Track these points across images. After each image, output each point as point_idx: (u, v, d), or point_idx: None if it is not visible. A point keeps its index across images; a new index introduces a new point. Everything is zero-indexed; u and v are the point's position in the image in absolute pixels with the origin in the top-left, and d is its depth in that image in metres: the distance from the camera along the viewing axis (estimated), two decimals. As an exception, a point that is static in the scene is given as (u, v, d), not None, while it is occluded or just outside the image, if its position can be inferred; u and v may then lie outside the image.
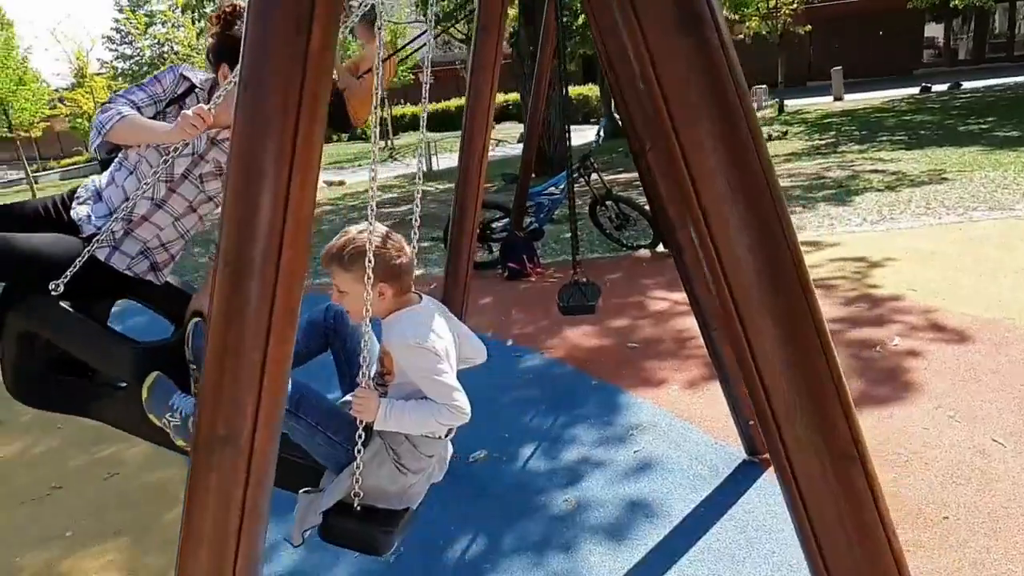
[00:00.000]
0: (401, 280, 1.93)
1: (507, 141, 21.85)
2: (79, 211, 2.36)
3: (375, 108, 1.68)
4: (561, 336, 5.46)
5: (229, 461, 1.28)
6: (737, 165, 1.08)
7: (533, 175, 7.58)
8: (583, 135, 16.68)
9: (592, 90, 28.32)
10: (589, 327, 5.49)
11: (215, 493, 1.30)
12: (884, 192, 9.14)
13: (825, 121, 18.46)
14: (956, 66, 31.68)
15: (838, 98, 24.00)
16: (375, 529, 1.93)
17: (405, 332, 1.86)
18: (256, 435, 1.28)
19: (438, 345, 1.88)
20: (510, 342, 5.52)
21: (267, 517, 1.44)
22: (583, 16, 14.44)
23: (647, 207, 6.66)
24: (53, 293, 2.09)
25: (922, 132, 14.35)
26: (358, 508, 1.91)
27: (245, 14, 1.17)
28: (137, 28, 36.71)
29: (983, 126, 14.14)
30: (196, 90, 2.42)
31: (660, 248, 7.10)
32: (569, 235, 4.72)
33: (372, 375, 2.03)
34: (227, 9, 2.31)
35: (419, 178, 2.27)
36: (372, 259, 1.74)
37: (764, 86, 24.97)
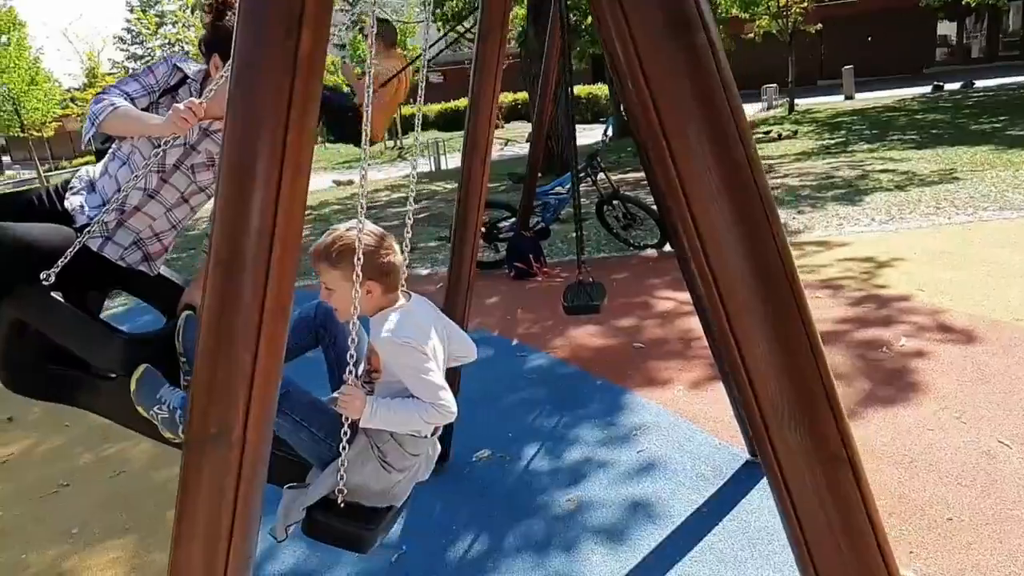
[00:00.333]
0: (389, 278, 1.93)
1: (516, 141, 21.83)
2: (72, 201, 2.37)
3: (366, 107, 1.68)
4: (567, 336, 5.46)
5: (220, 459, 1.28)
6: (725, 167, 1.08)
7: (540, 175, 7.58)
8: (593, 135, 16.66)
9: (601, 89, 28.29)
10: (595, 327, 5.49)
11: (206, 490, 1.31)
12: (894, 192, 9.09)
13: (835, 120, 18.36)
14: (969, 64, 31.44)
15: (849, 97, 23.87)
16: (358, 527, 1.93)
17: (392, 330, 1.86)
18: (247, 433, 1.29)
19: (425, 344, 1.88)
20: (515, 342, 5.53)
21: (259, 514, 1.45)
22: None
23: (654, 207, 6.66)
24: (44, 283, 2.10)
25: (933, 131, 14.25)
26: (342, 505, 1.91)
27: (236, 9, 1.18)
28: (148, 28, 36.94)
29: (995, 125, 14.03)
30: (189, 81, 2.43)
31: (667, 248, 7.09)
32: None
33: (360, 373, 2.04)
34: None
35: (412, 177, 2.27)
36: (360, 257, 1.75)
37: (774, 85, 24.85)
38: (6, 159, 44.33)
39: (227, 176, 1.18)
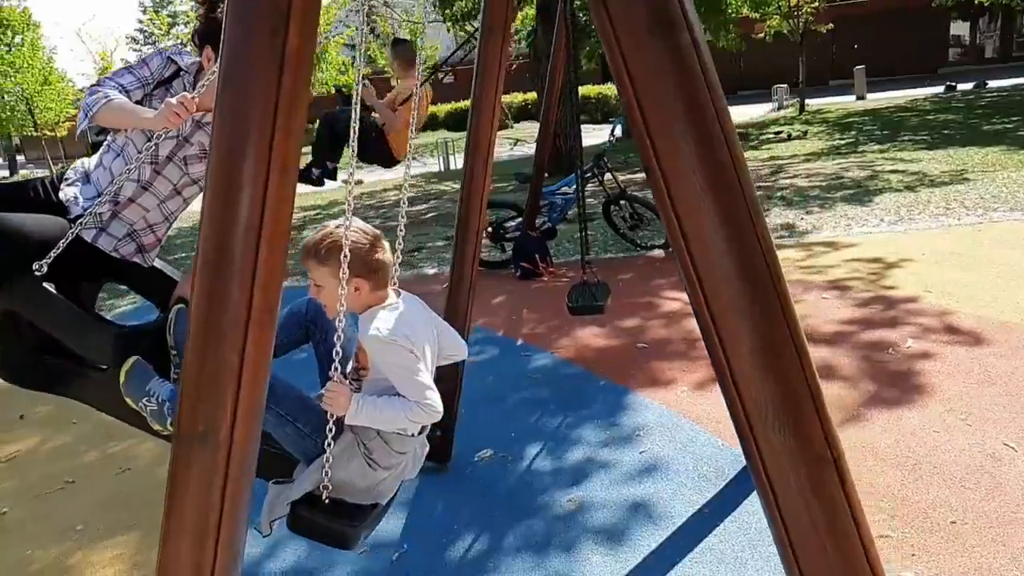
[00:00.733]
0: (378, 276, 1.93)
1: (526, 141, 21.80)
2: (67, 192, 2.39)
3: (355, 115, 1.68)
4: (571, 336, 5.45)
5: (208, 456, 1.29)
6: (710, 167, 1.07)
7: (547, 175, 7.57)
8: (602, 135, 16.62)
9: (611, 89, 28.24)
10: (599, 327, 5.48)
11: (194, 487, 1.31)
12: (903, 192, 9.03)
13: (846, 120, 18.26)
14: (982, 65, 31.21)
15: (860, 97, 23.74)
16: (342, 523, 1.93)
17: (380, 328, 1.86)
18: (235, 431, 1.29)
19: (413, 342, 1.88)
20: (520, 341, 5.52)
21: (247, 511, 1.45)
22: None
23: (660, 207, 6.63)
24: (37, 273, 2.11)
25: (945, 132, 14.15)
26: (326, 501, 1.91)
27: (224, 12, 1.18)
28: (160, 28, 37.17)
29: (1007, 125, 13.92)
30: (182, 73, 2.45)
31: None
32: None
33: (349, 370, 2.04)
34: None
35: (406, 176, 2.28)
36: (348, 254, 1.75)
37: (785, 85, 24.74)
38: (20, 158, 44.71)
39: (215, 174, 1.19)
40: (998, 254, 6.11)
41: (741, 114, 23.62)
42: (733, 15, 19.38)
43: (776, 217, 8.49)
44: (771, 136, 16.87)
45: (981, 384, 3.97)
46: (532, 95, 26.38)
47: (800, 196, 9.56)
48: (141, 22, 39.11)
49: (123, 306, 7.65)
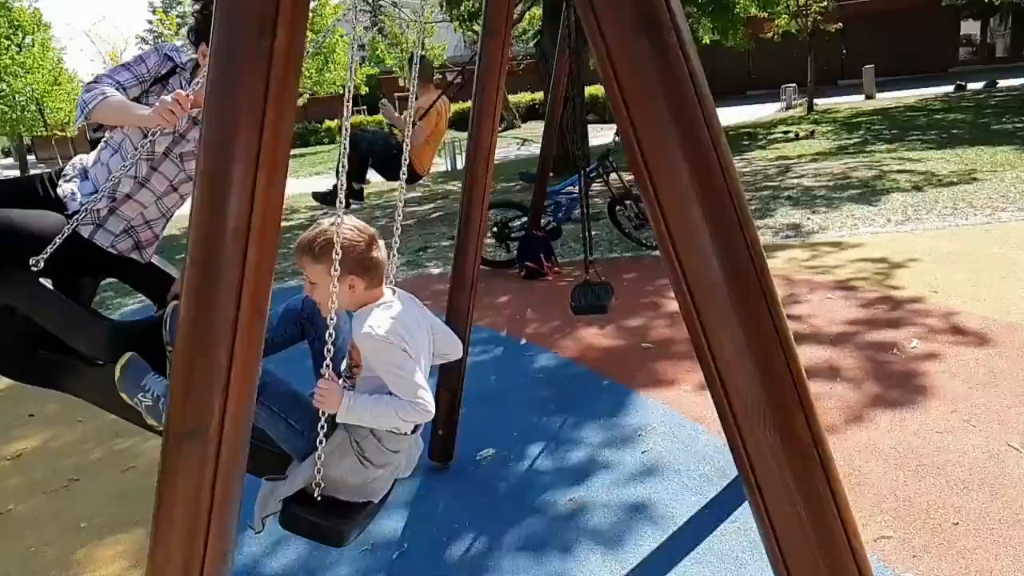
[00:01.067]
0: (372, 274, 1.94)
1: (533, 141, 21.80)
2: (65, 188, 2.40)
3: (347, 106, 1.69)
4: (575, 336, 5.45)
5: (197, 454, 1.30)
6: (695, 165, 1.07)
7: (553, 174, 7.57)
8: (610, 134, 16.63)
9: (619, 89, 28.18)
10: (604, 327, 5.48)
11: (183, 485, 1.32)
12: (911, 192, 8.98)
13: (855, 120, 18.18)
14: (993, 64, 31.00)
15: (869, 96, 23.62)
16: (334, 520, 1.94)
17: (373, 326, 1.87)
18: (224, 429, 1.30)
19: (406, 341, 1.89)
20: (524, 341, 5.53)
21: (237, 509, 1.46)
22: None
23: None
24: (34, 268, 2.12)
25: (954, 131, 14.07)
26: (318, 498, 1.92)
27: (213, 15, 1.19)
28: (169, 29, 37.37)
29: (1017, 125, 13.82)
30: (179, 70, 2.46)
31: (679, 248, 7.04)
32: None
33: (342, 367, 2.05)
34: None
35: (402, 177, 2.28)
36: (339, 251, 1.76)
37: (793, 85, 24.64)
38: (31, 158, 45.01)
39: (203, 175, 1.20)
40: (1006, 254, 6.07)
41: (749, 114, 23.57)
42: (741, 14, 19.33)
43: (782, 217, 8.47)
44: (779, 136, 16.81)
45: (986, 385, 3.95)
46: (540, 95, 26.37)
47: (807, 196, 9.52)
48: (151, 23, 39.29)
49: (131, 304, 7.69)
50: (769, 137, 16.87)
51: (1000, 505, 2.97)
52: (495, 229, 7.66)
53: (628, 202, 7.47)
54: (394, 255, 2.06)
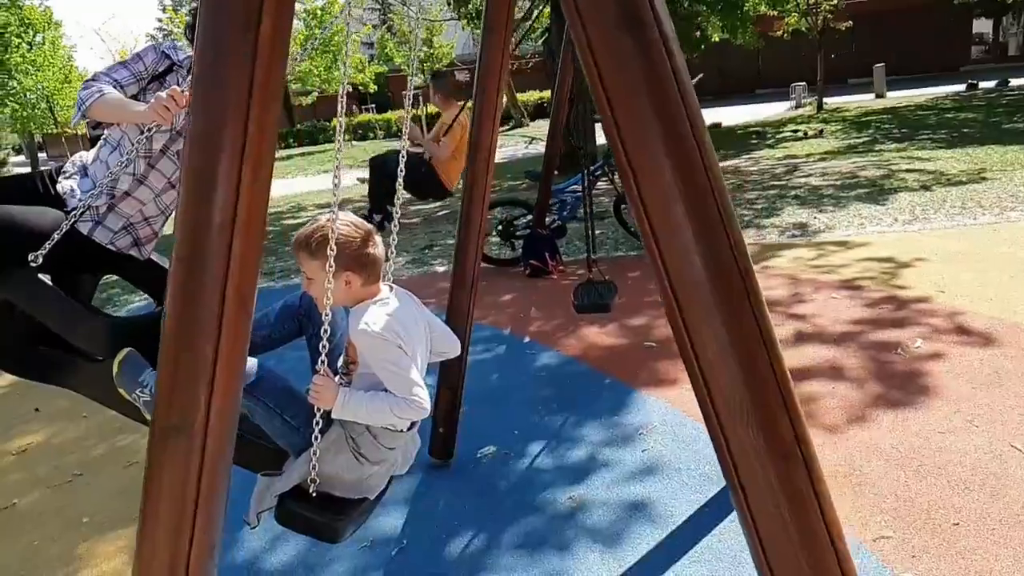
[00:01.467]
0: (368, 270, 1.94)
1: (541, 139, 21.78)
2: (64, 185, 2.42)
3: (341, 108, 1.69)
4: (578, 334, 5.44)
5: (183, 449, 1.31)
6: (678, 162, 1.07)
7: (557, 172, 7.56)
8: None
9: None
10: (607, 325, 5.47)
11: (169, 480, 1.33)
12: (919, 191, 8.93)
13: (864, 119, 18.08)
14: (1006, 63, 30.76)
15: (880, 95, 23.49)
16: (329, 517, 1.94)
17: (369, 323, 1.87)
18: (210, 423, 1.31)
19: (402, 338, 1.89)
20: (526, 339, 5.52)
21: (223, 504, 1.47)
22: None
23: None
24: (32, 264, 2.13)
25: (965, 130, 13.96)
26: (314, 494, 1.92)
27: (198, 9, 1.19)
28: (179, 27, 37.53)
29: (1029, 124, 13.72)
30: (176, 68, 2.47)
31: (684, 247, 7.01)
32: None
33: (339, 364, 2.05)
34: None
35: (401, 172, 2.28)
36: (334, 247, 1.76)
37: (803, 83, 24.52)
38: (42, 156, 45.32)
39: (188, 170, 1.20)
40: (1014, 254, 6.03)
41: (758, 113, 23.46)
42: (751, 12, 19.23)
43: (789, 216, 8.43)
44: (787, 135, 16.74)
45: (990, 385, 3.93)
46: (547, 93, 26.34)
47: (814, 195, 9.48)
48: (160, 21, 39.47)
49: (138, 300, 7.73)
50: (778, 136, 16.79)
51: (1001, 506, 2.95)
52: (500, 227, 7.66)
53: (633, 200, 7.45)
54: (391, 252, 2.06)
